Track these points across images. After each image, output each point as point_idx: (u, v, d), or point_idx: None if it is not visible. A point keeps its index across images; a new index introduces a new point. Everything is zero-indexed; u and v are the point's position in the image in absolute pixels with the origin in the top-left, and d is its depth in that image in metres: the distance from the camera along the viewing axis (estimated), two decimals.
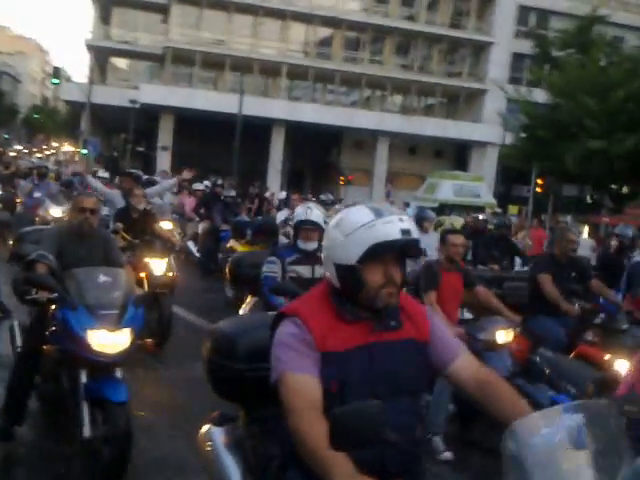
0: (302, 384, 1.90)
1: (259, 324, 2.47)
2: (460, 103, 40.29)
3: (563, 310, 5.75)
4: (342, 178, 34.95)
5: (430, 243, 9.35)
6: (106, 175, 14.67)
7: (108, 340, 3.63)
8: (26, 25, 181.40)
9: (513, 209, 27.23)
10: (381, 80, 39.32)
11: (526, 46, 27.46)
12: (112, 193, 8.45)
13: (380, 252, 1.96)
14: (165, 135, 35.85)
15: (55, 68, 35.53)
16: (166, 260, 7.07)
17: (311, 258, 4.88)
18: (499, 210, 22.01)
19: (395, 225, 1.95)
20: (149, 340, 6.26)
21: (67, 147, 68.64)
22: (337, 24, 38.14)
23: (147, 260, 6.75)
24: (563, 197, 25.57)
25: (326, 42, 39.49)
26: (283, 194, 12.77)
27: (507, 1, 38.83)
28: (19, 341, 4.67)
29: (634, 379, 2.65)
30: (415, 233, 1.99)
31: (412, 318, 2.13)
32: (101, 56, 41.24)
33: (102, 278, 3.87)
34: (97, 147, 29.36)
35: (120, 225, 6.90)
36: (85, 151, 30.93)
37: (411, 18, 39.60)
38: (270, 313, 2.67)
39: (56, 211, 11.56)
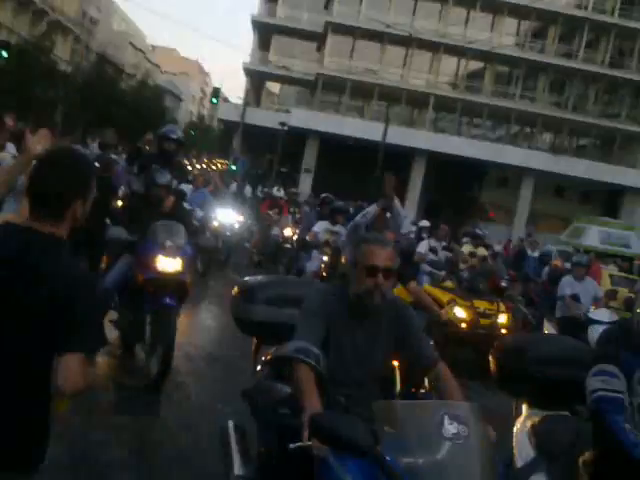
0: None
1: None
2: (615, 146, 38.23)
3: None
4: (481, 214, 34.20)
5: (585, 289, 8.91)
6: (281, 194, 14.71)
7: None
8: (192, 48, 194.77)
9: None
10: (531, 116, 38.25)
11: None
12: None
13: None
14: (309, 158, 36.87)
15: (215, 89, 37.87)
16: None
17: None
18: None
19: None
20: None
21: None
22: (490, 58, 37.66)
23: None
24: None
25: (477, 75, 39.09)
26: (426, 222, 12.41)
27: None
28: (238, 468, 3.02)
29: None
30: None
31: None
32: (257, 80, 43.38)
33: (450, 428, 2.08)
34: (245, 165, 30.87)
35: None
36: (234, 167, 32.64)
37: (568, 55, 38.29)
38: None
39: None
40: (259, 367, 3.43)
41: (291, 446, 2.22)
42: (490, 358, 3.45)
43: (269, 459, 2.82)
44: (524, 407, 3.26)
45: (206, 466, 4.28)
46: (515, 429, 3.15)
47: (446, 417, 2.09)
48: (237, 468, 3.04)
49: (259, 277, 3.95)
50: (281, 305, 3.36)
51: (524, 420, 3.09)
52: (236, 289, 3.67)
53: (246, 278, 3.82)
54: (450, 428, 2.07)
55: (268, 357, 3.30)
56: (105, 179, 7.68)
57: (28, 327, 1.89)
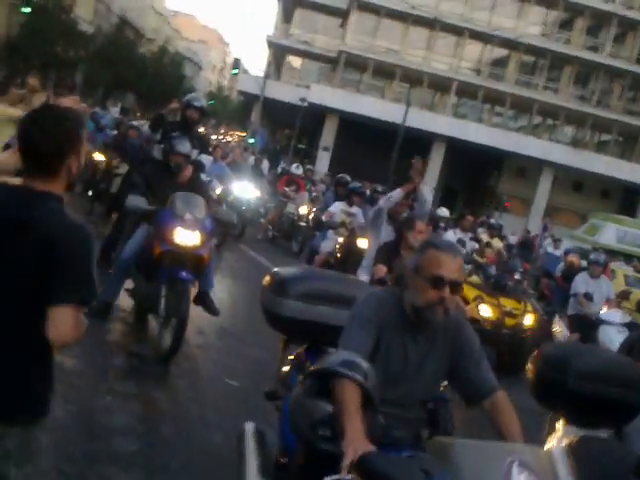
0: None
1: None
2: (637, 144, 37.74)
3: None
4: (497, 204, 33.98)
5: (599, 288, 8.85)
6: (300, 172, 14.61)
7: None
8: (211, 16, 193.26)
9: None
10: (554, 108, 37.79)
11: None
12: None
13: None
14: (328, 136, 36.63)
15: (236, 59, 37.70)
16: None
17: None
18: None
19: None
20: None
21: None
22: (515, 46, 37.12)
23: None
24: None
25: (501, 63, 38.59)
26: (445, 211, 12.24)
27: None
28: (253, 478, 2.72)
29: None
30: None
31: None
32: (279, 53, 43.01)
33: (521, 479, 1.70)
34: (264, 138, 30.58)
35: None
36: (252, 140, 32.47)
37: (594, 49, 37.70)
38: None
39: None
40: (286, 367, 3.17)
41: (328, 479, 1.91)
42: (529, 366, 3.11)
43: (292, 477, 2.58)
44: (559, 423, 2.99)
45: (210, 438, 4.28)
46: (548, 446, 2.81)
47: (515, 464, 1.70)
48: (252, 478, 2.75)
49: (293, 269, 3.54)
50: (314, 302, 3.04)
51: (560, 438, 2.81)
52: (267, 279, 3.29)
53: (277, 269, 3.41)
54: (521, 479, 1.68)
55: (306, 364, 2.93)
56: (149, 153, 7.53)
57: (21, 277, 1.92)
